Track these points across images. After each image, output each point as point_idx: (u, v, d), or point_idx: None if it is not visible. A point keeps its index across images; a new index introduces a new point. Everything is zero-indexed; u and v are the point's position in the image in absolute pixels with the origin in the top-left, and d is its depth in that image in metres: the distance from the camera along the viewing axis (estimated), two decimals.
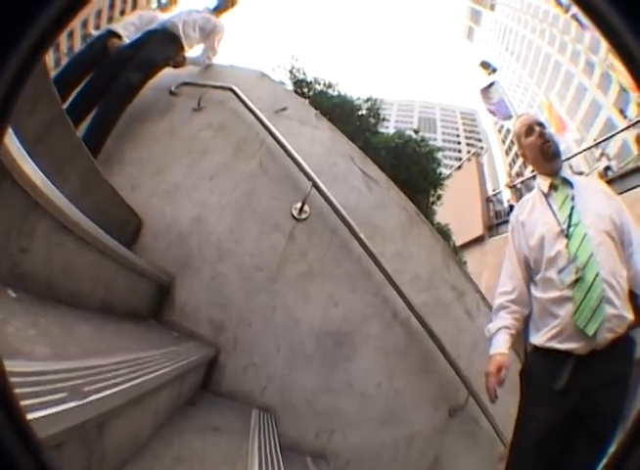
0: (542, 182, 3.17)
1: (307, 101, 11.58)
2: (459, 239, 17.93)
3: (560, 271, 2.81)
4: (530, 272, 3.08)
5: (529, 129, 3.21)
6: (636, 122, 22.31)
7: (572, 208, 2.92)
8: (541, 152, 3.16)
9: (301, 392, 4.16)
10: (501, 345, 2.99)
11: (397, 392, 4.27)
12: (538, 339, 2.91)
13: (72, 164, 3.11)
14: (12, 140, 1.80)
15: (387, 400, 4.25)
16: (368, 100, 13.04)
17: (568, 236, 2.83)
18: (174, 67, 5.46)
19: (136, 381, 1.81)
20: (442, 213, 14.75)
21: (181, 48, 5.40)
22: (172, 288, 4.27)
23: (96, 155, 4.18)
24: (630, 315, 2.72)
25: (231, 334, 4.19)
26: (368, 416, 4.21)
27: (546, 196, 3.10)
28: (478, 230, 21.21)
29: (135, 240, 4.40)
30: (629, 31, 0.67)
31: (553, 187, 3.10)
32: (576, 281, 2.71)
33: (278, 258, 4.39)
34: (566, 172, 3.18)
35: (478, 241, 20.74)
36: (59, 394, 1.24)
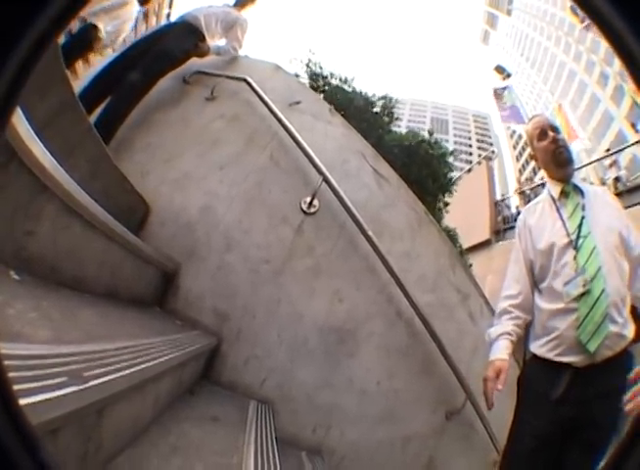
0: (553, 188, 3.11)
1: (322, 95, 11.61)
2: (466, 242, 17.96)
3: (566, 283, 2.77)
4: (534, 278, 3.05)
5: (543, 133, 3.14)
6: None
7: (583, 218, 2.87)
8: (554, 158, 3.08)
9: (301, 386, 4.16)
10: (501, 350, 2.96)
11: (397, 391, 4.27)
12: (537, 348, 2.90)
13: (82, 149, 3.10)
14: (21, 122, 1.80)
15: (386, 399, 4.25)
16: (383, 98, 13.05)
17: (576, 247, 2.79)
18: (199, 57, 5.45)
19: (137, 367, 1.81)
20: (451, 216, 14.75)
21: (202, 39, 5.38)
22: (177, 276, 4.27)
23: (107, 143, 4.15)
24: (630, 334, 2.71)
25: (235, 325, 4.19)
26: (366, 414, 4.21)
27: (556, 202, 3.04)
28: (485, 234, 21.24)
29: (142, 227, 4.39)
30: (631, 33, 0.67)
31: (564, 194, 3.04)
32: (582, 295, 2.68)
33: (285, 251, 4.39)
34: (577, 180, 3.11)
35: (484, 245, 20.75)
36: (58, 378, 1.24)
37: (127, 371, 1.69)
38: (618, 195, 15.22)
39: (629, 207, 12.08)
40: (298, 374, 4.16)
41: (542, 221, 3.07)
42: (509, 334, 3.01)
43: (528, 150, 3.45)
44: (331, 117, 5.23)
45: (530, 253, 3.06)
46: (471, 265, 14.72)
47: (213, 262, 4.33)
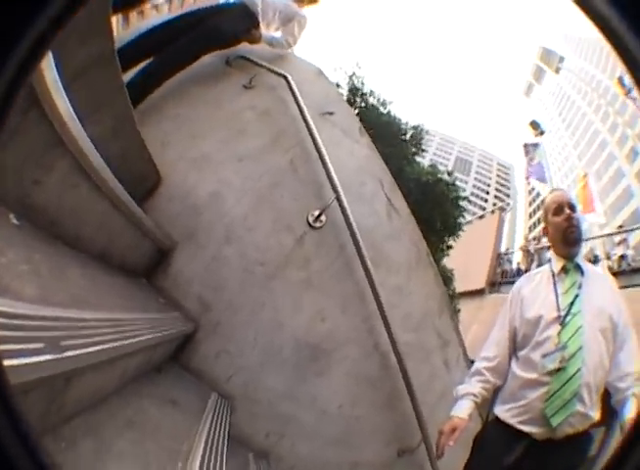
0: (555, 262, 3.17)
1: (357, 110, 11.67)
2: (460, 286, 18.03)
3: (544, 356, 2.82)
4: (515, 346, 3.09)
5: (559, 209, 3.17)
6: None
7: (577, 296, 2.91)
8: (564, 235, 3.13)
9: (266, 391, 4.16)
10: (463, 409, 3.04)
11: (356, 418, 4.28)
12: (501, 412, 2.97)
13: (109, 106, 3.11)
14: (50, 70, 1.82)
15: (343, 423, 4.26)
16: (415, 127, 13.12)
17: (563, 323, 2.83)
18: (250, 42, 5.42)
19: (114, 343, 1.83)
20: (452, 257, 14.81)
21: (256, 26, 5.33)
22: (172, 254, 4.28)
23: (136, 105, 4.15)
24: (596, 416, 2.76)
25: (215, 316, 4.19)
26: (321, 433, 4.22)
27: (554, 276, 3.09)
28: (480, 283, 21.36)
29: (149, 197, 4.38)
30: (631, 33, 0.69)
31: (564, 270, 3.09)
32: (558, 370, 2.73)
33: (282, 258, 4.38)
34: (580, 259, 3.17)
35: (477, 293, 20.87)
36: (37, 343, 1.26)
37: (103, 346, 1.71)
38: (621, 273, 15.36)
39: (628, 287, 12.20)
40: (266, 379, 4.16)
41: (536, 292, 3.14)
42: (474, 395, 3.09)
43: (540, 213, 3.52)
44: (359, 136, 5.24)
45: (517, 320, 3.11)
46: (459, 310, 14.79)
47: (210, 251, 4.33)
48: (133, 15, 6.68)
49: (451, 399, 3.27)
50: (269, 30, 5.54)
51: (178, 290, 4.20)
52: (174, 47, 4.81)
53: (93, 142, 2.42)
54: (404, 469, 4.33)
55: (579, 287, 2.96)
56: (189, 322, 3.99)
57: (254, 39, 5.35)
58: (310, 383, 4.23)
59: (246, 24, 5.24)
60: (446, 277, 13.23)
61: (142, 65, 4.75)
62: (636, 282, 13.65)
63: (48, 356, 1.27)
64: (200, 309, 4.18)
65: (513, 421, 2.86)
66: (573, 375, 2.69)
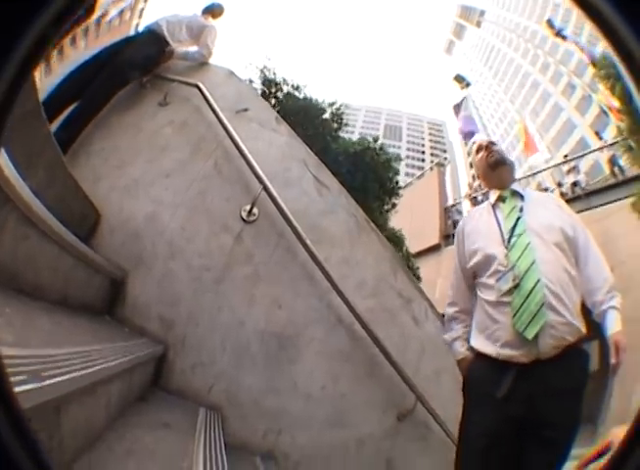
0: (492, 195, 3.26)
1: (275, 101, 11.68)
2: (416, 246, 18.15)
3: (498, 279, 2.88)
4: (473, 278, 3.15)
5: (479, 148, 3.34)
6: (612, 144, 22.40)
7: (518, 218, 2.98)
8: (486, 163, 3.25)
9: (248, 391, 4.22)
10: (461, 350, 3.12)
11: (343, 395, 4.34)
12: (479, 343, 2.98)
13: (40, 157, 3.18)
14: None
15: (333, 403, 4.32)
16: (332, 104, 13.15)
17: (508, 245, 2.90)
18: (163, 62, 5.49)
19: (87, 370, 1.93)
20: (400, 221, 14.90)
21: (165, 46, 5.45)
22: (125, 284, 4.32)
23: (65, 150, 4.24)
24: (580, 324, 2.77)
25: (180, 332, 4.25)
26: (315, 418, 4.26)
27: (494, 207, 3.18)
28: (434, 239, 21.50)
29: (93, 234, 4.43)
30: (629, 31, 0.73)
31: (501, 198, 3.17)
32: (515, 288, 2.77)
33: (225, 258, 4.46)
34: (517, 186, 3.24)
35: (434, 249, 21.03)
36: (19, 376, 1.36)
37: (80, 373, 1.81)
38: (576, 198, 15.63)
39: (587, 209, 12.46)
40: (244, 380, 4.23)
41: (478, 226, 3.22)
42: (460, 337, 3.17)
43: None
44: (277, 125, 5.30)
45: (467, 256, 3.17)
46: (418, 268, 14.88)
47: (158, 270, 4.39)
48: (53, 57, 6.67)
49: (431, 352, 3.37)
50: (183, 47, 5.61)
51: (140, 316, 4.26)
52: (94, 88, 4.90)
53: (32, 193, 2.48)
54: (410, 431, 4.39)
55: (520, 210, 3.04)
56: (157, 344, 4.06)
57: (167, 57, 5.45)
58: (286, 371, 4.30)
59: (156, 48, 5.35)
60: (396, 238, 13.29)
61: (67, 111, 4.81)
62: (594, 204, 13.92)
63: (31, 385, 1.36)
64: (164, 329, 4.24)
65: (492, 349, 2.85)
66: (533, 288, 2.73)
